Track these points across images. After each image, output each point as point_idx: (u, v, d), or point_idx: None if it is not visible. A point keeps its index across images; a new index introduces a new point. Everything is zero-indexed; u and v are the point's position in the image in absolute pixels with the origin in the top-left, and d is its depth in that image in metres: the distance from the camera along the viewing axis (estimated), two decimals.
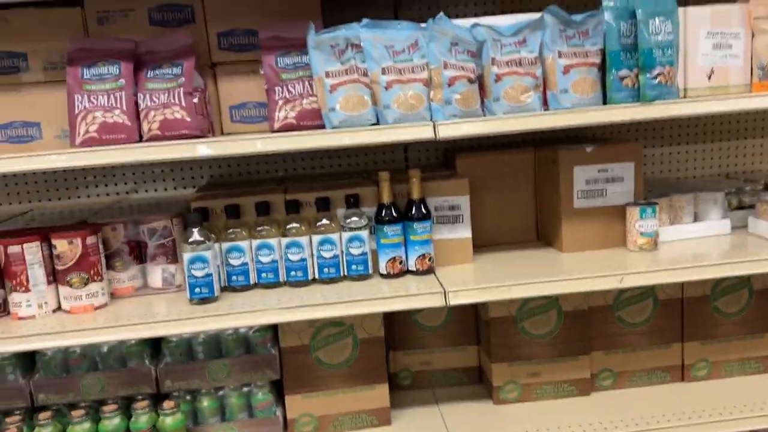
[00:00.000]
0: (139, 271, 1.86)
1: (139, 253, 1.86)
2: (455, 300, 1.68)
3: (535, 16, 1.67)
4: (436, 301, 1.69)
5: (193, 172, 2.25)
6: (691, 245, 1.93)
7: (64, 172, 2.20)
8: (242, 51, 1.81)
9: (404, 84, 1.63)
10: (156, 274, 1.85)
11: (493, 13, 2.20)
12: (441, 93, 1.62)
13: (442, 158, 2.34)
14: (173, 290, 1.86)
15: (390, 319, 2.06)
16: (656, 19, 1.64)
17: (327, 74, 1.65)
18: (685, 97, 1.72)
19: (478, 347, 2.13)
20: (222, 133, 1.85)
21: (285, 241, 1.79)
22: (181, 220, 1.86)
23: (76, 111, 1.65)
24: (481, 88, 1.68)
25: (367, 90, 1.65)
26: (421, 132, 1.62)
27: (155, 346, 1.88)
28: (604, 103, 1.70)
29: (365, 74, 1.65)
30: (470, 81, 1.64)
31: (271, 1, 1.80)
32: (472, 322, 2.12)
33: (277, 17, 1.78)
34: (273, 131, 1.72)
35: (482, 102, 1.69)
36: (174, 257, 1.85)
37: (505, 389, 2.00)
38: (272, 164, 2.29)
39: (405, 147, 2.33)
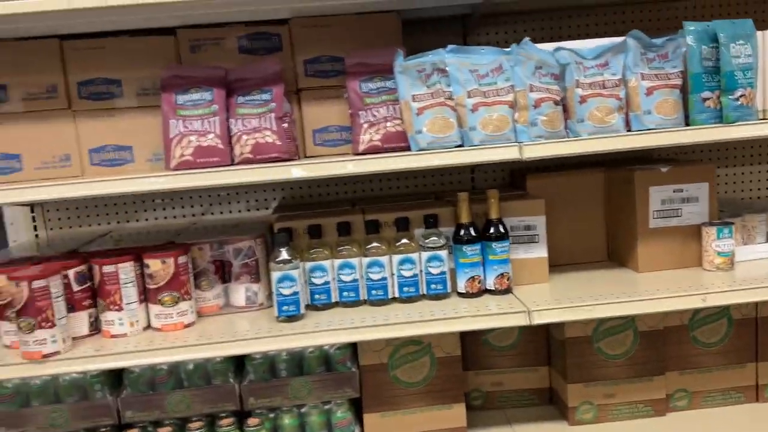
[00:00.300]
0: (222, 290, 1.91)
1: (222, 273, 1.90)
2: (539, 319, 1.70)
3: (618, 40, 1.70)
4: (520, 321, 1.71)
5: (266, 194, 2.30)
6: (765, 265, 1.93)
7: (144, 193, 2.26)
8: (327, 77, 1.87)
9: (489, 106, 1.67)
10: (240, 292, 1.89)
11: (557, 39, 2.25)
12: (526, 115, 1.66)
13: (509, 179, 2.37)
14: (255, 308, 1.90)
15: (460, 338, 2.08)
16: (737, 42, 1.67)
17: (414, 98, 1.69)
18: (764, 118, 1.74)
19: (549, 368, 2.14)
20: (305, 156, 1.90)
21: (366, 260, 1.83)
22: (263, 241, 1.91)
23: (171, 135, 1.71)
24: (564, 109, 1.72)
25: (452, 113, 1.69)
26: (507, 153, 1.65)
27: (239, 363, 1.92)
28: (686, 123, 1.73)
29: (450, 97, 1.69)
30: (556, 103, 1.68)
31: (355, 28, 1.85)
32: (544, 343, 2.13)
33: (361, 44, 1.84)
34: (357, 153, 1.76)
35: (565, 123, 1.72)
36: (257, 276, 1.89)
37: (580, 410, 2.00)
38: (341, 186, 2.33)
39: (472, 168, 2.36)
